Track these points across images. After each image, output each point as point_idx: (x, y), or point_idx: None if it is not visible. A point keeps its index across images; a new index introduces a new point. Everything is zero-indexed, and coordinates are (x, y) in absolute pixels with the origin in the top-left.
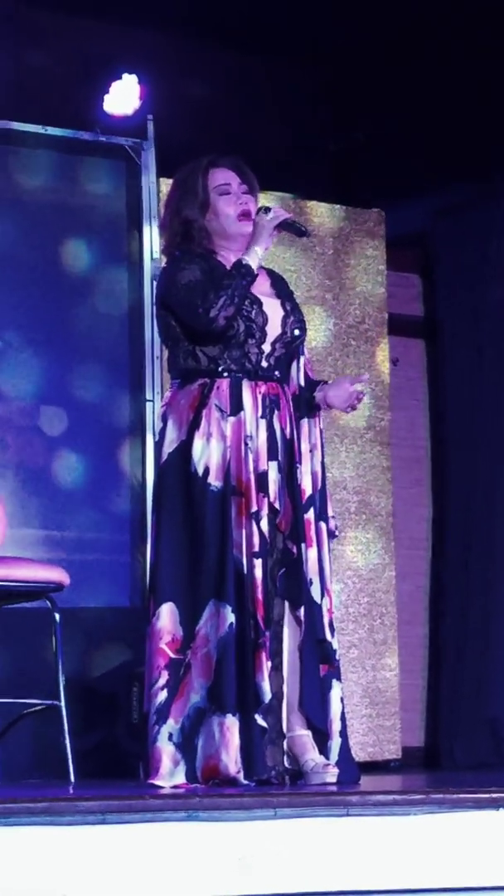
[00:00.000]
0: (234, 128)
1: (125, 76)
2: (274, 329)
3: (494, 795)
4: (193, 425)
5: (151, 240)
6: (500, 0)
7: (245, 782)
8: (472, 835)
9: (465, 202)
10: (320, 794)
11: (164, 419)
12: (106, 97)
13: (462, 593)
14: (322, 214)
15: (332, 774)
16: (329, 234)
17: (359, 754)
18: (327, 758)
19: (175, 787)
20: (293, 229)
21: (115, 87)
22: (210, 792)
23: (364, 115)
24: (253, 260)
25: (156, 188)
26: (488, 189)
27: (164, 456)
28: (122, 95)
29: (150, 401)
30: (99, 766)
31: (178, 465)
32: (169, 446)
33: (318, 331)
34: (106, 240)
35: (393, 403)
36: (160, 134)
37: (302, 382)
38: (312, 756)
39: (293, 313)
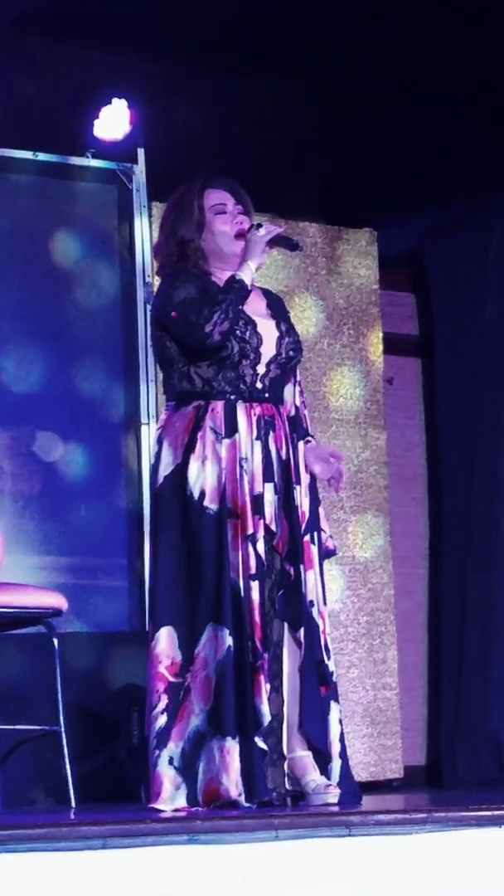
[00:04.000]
0: (225, 150)
1: (115, 101)
2: (269, 350)
3: (497, 813)
4: (189, 448)
5: (143, 263)
6: (494, 20)
7: (246, 805)
8: (474, 853)
9: (458, 220)
10: (322, 814)
11: (160, 442)
12: (96, 122)
13: (460, 610)
14: (314, 234)
15: (333, 795)
16: (321, 254)
17: (360, 774)
18: (329, 779)
19: (176, 810)
20: (285, 244)
21: (105, 112)
22: (211, 815)
23: (356, 136)
24: (246, 275)
25: (147, 212)
26: (481, 207)
27: (160, 479)
28: (113, 120)
29: (145, 424)
30: (100, 791)
31: (173, 489)
32: (165, 469)
33: (312, 350)
34: (98, 264)
35: (389, 422)
36: (151, 158)
37: (298, 403)
38: (314, 777)
39: (288, 334)
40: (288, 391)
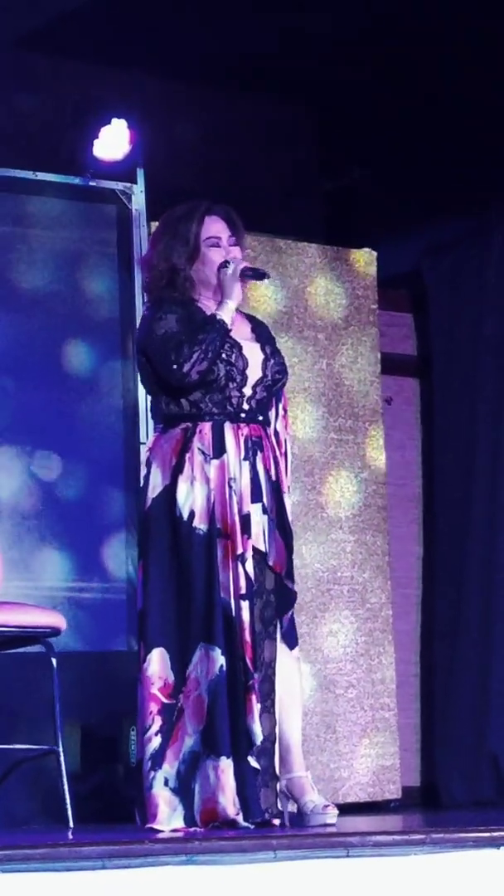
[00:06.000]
0: (225, 169)
1: (114, 121)
2: (255, 373)
3: (494, 834)
4: (177, 470)
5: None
6: (490, 36)
7: (244, 824)
8: (472, 875)
9: (456, 239)
10: (320, 835)
11: (149, 464)
12: (96, 142)
13: (454, 631)
14: (313, 255)
15: (332, 816)
16: (320, 275)
17: (359, 795)
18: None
19: (174, 830)
20: (253, 274)
21: (105, 131)
22: (209, 835)
23: (355, 155)
24: (226, 314)
25: (147, 232)
26: (480, 226)
27: (149, 501)
28: (112, 140)
29: (143, 443)
30: (98, 811)
31: (162, 510)
32: (153, 491)
33: (310, 371)
34: (97, 284)
35: (388, 442)
36: (151, 177)
37: (279, 427)
38: (312, 797)
39: (273, 356)
40: (271, 415)
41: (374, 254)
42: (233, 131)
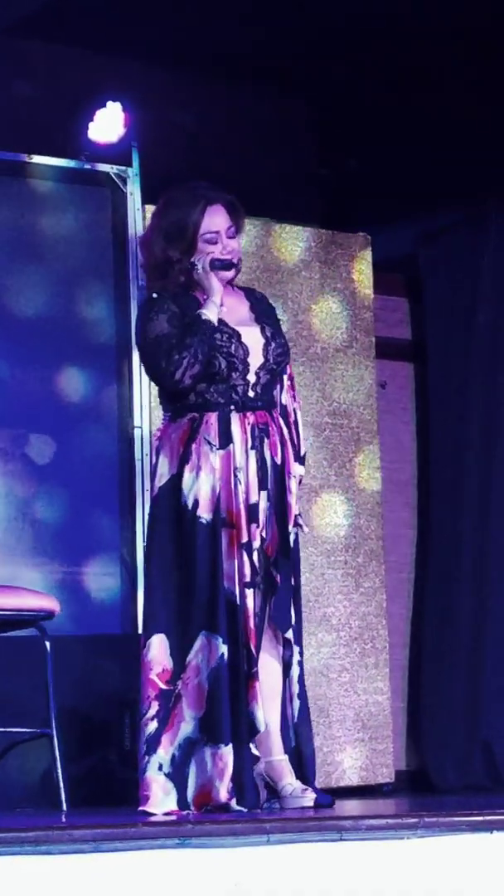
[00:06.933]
0: (219, 154)
1: (109, 104)
2: (256, 359)
3: (488, 818)
4: (184, 459)
5: (137, 267)
6: (486, 26)
7: (237, 808)
8: (465, 858)
9: (452, 225)
10: (313, 819)
11: (157, 453)
12: (91, 125)
13: (445, 617)
14: (308, 239)
15: (309, 799)
16: (315, 259)
17: (351, 778)
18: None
19: (167, 813)
20: (220, 266)
21: (100, 114)
22: (202, 818)
23: (351, 141)
24: (211, 312)
25: (141, 215)
26: (475, 212)
27: (156, 489)
28: (107, 123)
29: (137, 427)
30: (91, 794)
31: (169, 499)
32: (160, 480)
33: (305, 354)
34: (91, 267)
35: (381, 427)
36: (145, 161)
37: (284, 401)
38: (290, 781)
39: (273, 339)
40: (276, 391)
41: (370, 238)
42: (229, 117)
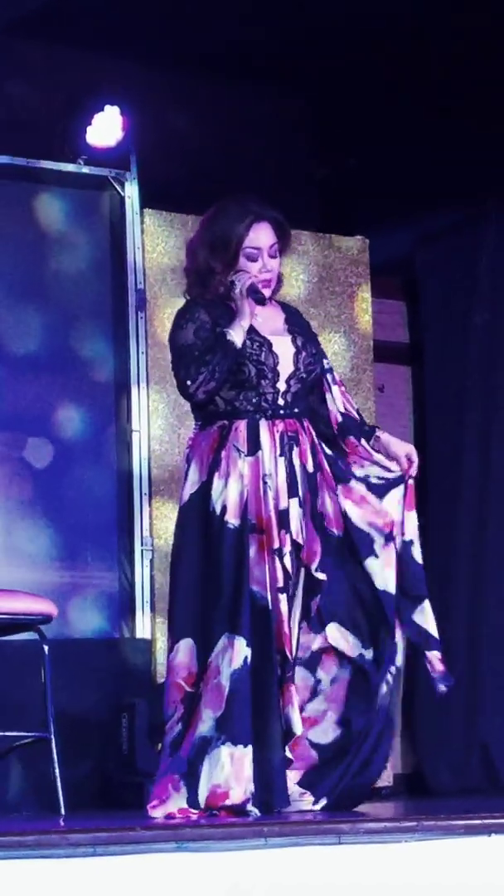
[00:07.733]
0: (218, 157)
1: (107, 107)
2: (286, 367)
3: (486, 822)
4: (213, 466)
5: (135, 270)
6: (485, 24)
7: (252, 810)
8: (464, 862)
9: (449, 228)
10: (311, 822)
11: (188, 461)
12: (89, 129)
13: (443, 618)
14: (306, 242)
15: (307, 802)
16: (313, 262)
17: None
18: None
19: (168, 815)
20: (254, 295)
21: (98, 118)
22: (200, 822)
23: (349, 143)
24: (237, 334)
25: (139, 219)
26: (472, 214)
27: (186, 497)
28: (105, 127)
29: (136, 431)
30: (89, 798)
31: (197, 506)
32: (191, 487)
33: None
34: (89, 271)
35: None
36: (143, 165)
37: (341, 409)
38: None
39: (304, 348)
40: (329, 400)
41: (367, 241)
42: (226, 118)
